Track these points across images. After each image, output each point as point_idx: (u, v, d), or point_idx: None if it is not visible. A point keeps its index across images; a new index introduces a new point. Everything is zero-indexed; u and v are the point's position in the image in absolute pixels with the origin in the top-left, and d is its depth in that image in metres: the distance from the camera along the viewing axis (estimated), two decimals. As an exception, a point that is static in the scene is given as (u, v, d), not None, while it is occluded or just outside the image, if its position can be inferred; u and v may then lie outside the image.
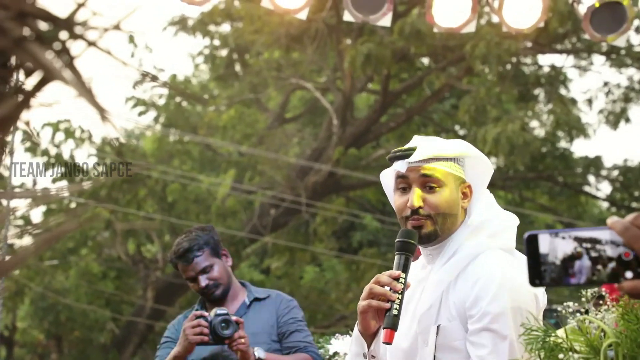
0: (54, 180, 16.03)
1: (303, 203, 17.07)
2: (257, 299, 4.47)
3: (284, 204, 17.48)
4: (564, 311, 2.16)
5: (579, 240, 1.45)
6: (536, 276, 1.46)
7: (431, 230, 2.78)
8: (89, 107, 1.10)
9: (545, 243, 1.46)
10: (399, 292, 2.65)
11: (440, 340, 2.72)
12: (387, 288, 2.65)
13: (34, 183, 15.57)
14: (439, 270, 2.80)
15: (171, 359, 4.22)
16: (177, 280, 16.76)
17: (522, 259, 2.81)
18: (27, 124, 1.14)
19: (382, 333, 2.64)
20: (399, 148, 2.87)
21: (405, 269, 2.69)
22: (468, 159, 2.87)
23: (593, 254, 1.44)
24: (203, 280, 4.35)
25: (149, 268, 18.41)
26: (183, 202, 17.71)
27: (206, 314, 4.21)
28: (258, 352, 4.20)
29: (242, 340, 4.15)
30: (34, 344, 21.03)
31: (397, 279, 2.67)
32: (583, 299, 2.18)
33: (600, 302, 2.17)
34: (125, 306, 19.00)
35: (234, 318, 4.17)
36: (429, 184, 2.79)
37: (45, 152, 17.28)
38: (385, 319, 2.63)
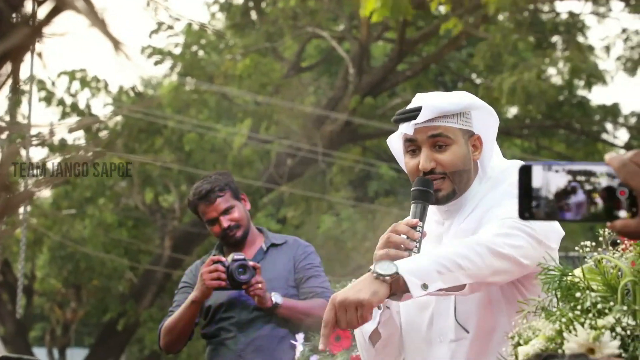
0: (70, 130, 16.06)
1: (319, 152, 17.06)
2: (274, 245, 4.48)
3: (300, 154, 17.48)
4: (581, 250, 2.14)
5: (573, 173, 1.41)
6: (526, 209, 1.43)
7: (450, 191, 2.74)
8: (101, 36, 1.09)
9: (539, 176, 1.43)
10: (417, 240, 2.61)
11: (459, 304, 2.69)
12: (405, 237, 2.62)
13: (51, 133, 15.59)
14: (462, 224, 2.76)
15: (189, 304, 4.25)
16: (195, 229, 16.84)
17: None
18: (39, 54, 1.13)
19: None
20: (403, 109, 2.80)
21: (422, 217, 2.66)
22: (474, 111, 2.81)
23: (587, 189, 1.40)
24: (225, 221, 4.35)
25: (166, 217, 18.49)
26: (200, 152, 17.72)
27: (223, 259, 4.23)
28: (275, 297, 4.22)
29: (259, 285, 4.17)
30: (53, 292, 21.25)
31: (414, 227, 2.64)
32: (600, 239, 2.17)
33: (617, 241, 2.16)
34: (142, 255, 19.12)
35: (251, 263, 4.19)
36: (438, 143, 2.73)
37: (61, 102, 17.29)
38: None
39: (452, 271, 2.44)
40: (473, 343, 2.69)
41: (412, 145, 2.77)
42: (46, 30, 1.13)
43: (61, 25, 1.16)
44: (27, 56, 1.16)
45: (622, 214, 1.40)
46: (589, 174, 1.40)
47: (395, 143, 2.85)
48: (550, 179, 1.42)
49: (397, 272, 2.40)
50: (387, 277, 2.40)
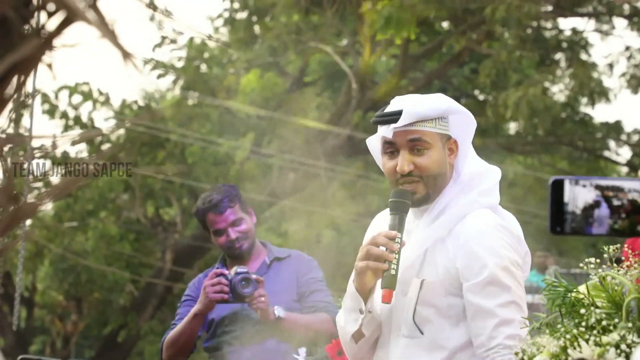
0: (73, 143, 16.07)
1: (322, 167, 17.06)
2: (277, 259, 4.47)
3: (302, 168, 17.47)
4: (585, 267, 2.14)
5: (601, 188, 1.41)
6: (558, 223, 1.43)
7: (424, 194, 2.83)
8: (111, 48, 1.09)
9: (571, 190, 1.43)
10: (396, 252, 2.72)
11: (422, 295, 2.77)
12: (384, 248, 2.71)
13: (54, 145, 15.60)
14: (426, 228, 2.84)
15: (191, 317, 4.24)
16: (196, 243, 16.82)
17: (506, 216, 2.88)
18: (49, 65, 1.13)
19: (381, 293, 2.72)
20: (383, 112, 2.87)
21: (400, 228, 2.75)
22: (452, 115, 2.87)
23: (615, 203, 1.40)
24: (233, 233, 4.35)
25: (168, 230, 18.48)
26: (202, 165, 17.73)
27: (226, 272, 4.22)
28: (278, 310, 4.21)
29: (262, 298, 4.17)
30: (54, 305, 21.21)
31: (393, 239, 2.71)
32: (605, 255, 2.17)
33: (622, 258, 2.16)
34: (144, 269, 19.10)
35: (254, 277, 4.19)
36: (416, 146, 2.81)
37: (64, 115, 17.30)
38: (383, 279, 2.72)
39: None
40: (427, 345, 2.77)
41: (390, 148, 2.85)
42: (56, 41, 1.13)
43: (72, 37, 1.16)
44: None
45: None
46: (617, 189, 1.40)
47: (374, 143, 2.93)
48: (577, 194, 1.41)
49: None
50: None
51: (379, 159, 2.94)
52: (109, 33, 1.11)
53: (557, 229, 1.43)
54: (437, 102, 2.86)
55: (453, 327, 2.76)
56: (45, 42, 1.12)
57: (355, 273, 2.79)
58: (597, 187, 1.41)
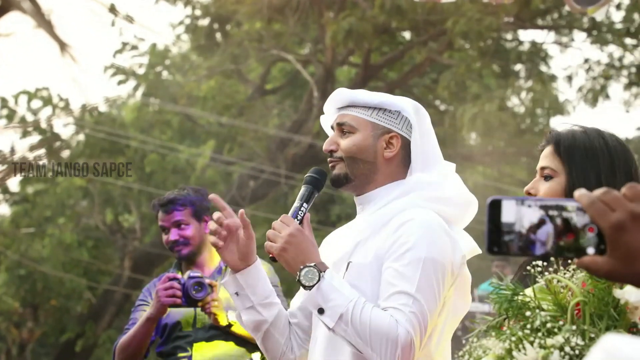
0: (31, 149, 15.94)
1: (282, 175, 17.06)
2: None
3: (263, 176, 17.46)
4: (532, 270, 2.16)
5: (545, 208, 1.42)
6: (495, 244, 1.43)
7: (341, 172, 2.87)
8: (47, 38, 1.08)
9: (511, 210, 1.43)
10: (299, 219, 2.77)
11: (347, 277, 2.75)
12: (279, 232, 2.76)
13: (12, 151, 15.48)
14: (364, 220, 2.85)
15: (144, 321, 4.21)
16: (155, 250, 16.74)
17: (457, 231, 2.85)
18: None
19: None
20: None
21: (308, 199, 2.83)
22: (407, 115, 2.90)
23: (558, 224, 1.41)
24: (174, 234, 4.34)
25: (127, 237, 18.37)
26: (161, 173, 17.66)
27: (179, 276, 4.20)
28: (231, 315, 4.20)
29: (215, 303, 4.15)
30: (10, 312, 20.97)
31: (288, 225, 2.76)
32: (552, 259, 2.18)
33: (569, 261, 2.17)
34: (102, 276, 18.96)
35: (207, 281, 4.17)
36: (343, 129, 2.90)
37: (22, 120, 17.17)
38: None
39: (347, 325, 2.60)
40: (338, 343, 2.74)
41: (333, 131, 2.97)
42: (-8, 30, 1.12)
43: (6, 27, 1.15)
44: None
45: (591, 250, 1.41)
46: (561, 209, 1.41)
47: (329, 130, 3.04)
48: (523, 214, 1.42)
49: (317, 284, 2.63)
50: (307, 288, 2.64)
51: None
52: (44, 23, 1.10)
53: (494, 248, 1.43)
54: (373, 94, 2.93)
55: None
56: (-20, 31, 1.11)
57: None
58: (542, 207, 1.42)
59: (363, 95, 2.92)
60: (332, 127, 2.97)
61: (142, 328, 4.22)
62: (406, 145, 2.89)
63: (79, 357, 18.32)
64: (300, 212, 2.80)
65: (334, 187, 2.90)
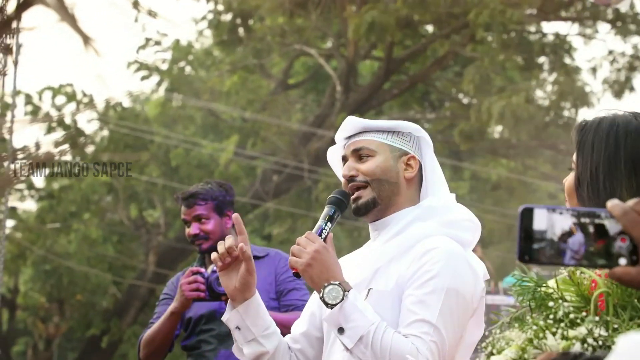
0: (56, 144, 16.03)
1: (305, 169, 17.07)
2: (255, 257, 4.41)
3: (286, 170, 17.48)
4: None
5: (578, 216, 1.40)
6: (526, 252, 1.41)
7: (369, 198, 2.83)
8: (71, 32, 1.09)
9: (542, 218, 1.41)
10: (322, 237, 2.74)
11: (369, 303, 2.71)
12: (304, 248, 2.72)
13: (37, 147, 15.53)
14: (382, 246, 2.81)
15: (168, 315, 4.22)
16: (179, 245, 16.80)
17: (473, 256, 2.83)
18: (9, 49, 1.13)
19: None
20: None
21: (331, 220, 2.80)
22: (420, 138, 2.91)
23: (590, 233, 1.39)
24: (194, 228, 4.35)
25: (151, 232, 18.44)
26: (186, 167, 17.71)
27: (203, 270, 4.20)
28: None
29: (239, 296, 4.15)
30: (36, 307, 21.12)
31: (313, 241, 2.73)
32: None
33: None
34: (127, 271, 19.05)
35: (231, 275, 4.17)
36: (360, 154, 2.86)
37: (46, 116, 17.26)
38: None
39: (367, 348, 2.59)
40: None
41: (343, 161, 2.93)
42: (15, 24, 1.13)
43: (31, 20, 1.16)
44: (11, 69, 1.15)
45: (623, 261, 1.39)
46: (593, 216, 1.40)
47: (336, 162, 3.01)
48: (555, 221, 1.41)
49: (340, 303, 2.61)
50: (330, 306, 2.61)
51: (339, 173, 2.99)
52: (68, 17, 1.11)
53: (525, 257, 1.42)
54: (382, 120, 2.94)
55: None
56: (4, 24, 1.12)
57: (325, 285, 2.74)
58: (574, 215, 1.40)
59: (374, 120, 2.91)
60: (343, 158, 2.93)
61: (167, 322, 4.23)
62: (420, 167, 2.90)
63: (105, 351, 18.43)
64: (324, 231, 2.78)
65: (356, 216, 2.88)
